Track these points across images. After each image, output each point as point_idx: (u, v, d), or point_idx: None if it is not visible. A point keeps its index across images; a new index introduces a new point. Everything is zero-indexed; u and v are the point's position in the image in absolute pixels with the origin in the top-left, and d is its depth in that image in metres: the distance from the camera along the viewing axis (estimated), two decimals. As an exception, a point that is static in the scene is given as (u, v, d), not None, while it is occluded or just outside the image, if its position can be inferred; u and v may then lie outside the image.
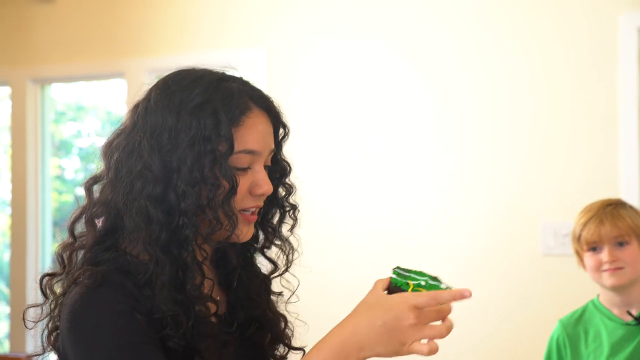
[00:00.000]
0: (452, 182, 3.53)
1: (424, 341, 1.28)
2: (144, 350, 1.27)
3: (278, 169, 1.52)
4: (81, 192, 1.46)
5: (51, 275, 1.41)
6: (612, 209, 2.42)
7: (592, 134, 3.34)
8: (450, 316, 1.30)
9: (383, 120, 3.65)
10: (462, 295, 1.31)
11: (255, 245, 1.55)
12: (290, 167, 1.55)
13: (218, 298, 1.46)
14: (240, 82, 1.45)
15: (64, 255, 1.41)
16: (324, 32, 3.75)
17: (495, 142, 3.47)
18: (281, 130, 1.51)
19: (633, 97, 3.27)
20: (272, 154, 1.47)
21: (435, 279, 1.33)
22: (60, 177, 4.80)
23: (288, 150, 1.56)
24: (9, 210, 4.55)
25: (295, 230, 1.55)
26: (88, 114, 4.81)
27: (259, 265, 1.60)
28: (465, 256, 3.48)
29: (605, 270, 2.39)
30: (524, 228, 3.40)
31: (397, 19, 3.63)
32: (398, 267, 1.34)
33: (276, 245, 1.55)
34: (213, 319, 1.40)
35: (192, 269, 1.35)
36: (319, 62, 3.76)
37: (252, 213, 1.43)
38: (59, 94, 4.66)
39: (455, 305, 3.67)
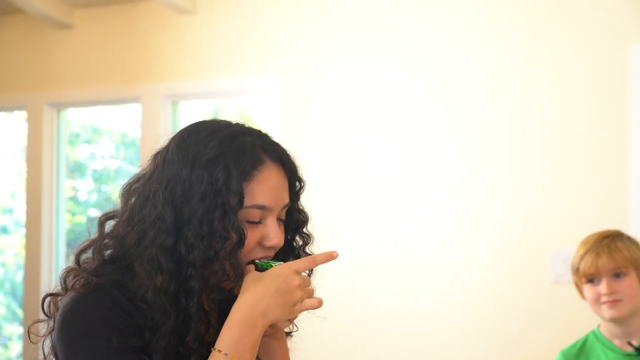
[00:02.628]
0: (463, 208, 3.54)
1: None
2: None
3: (293, 221, 1.53)
4: (93, 213, 1.50)
5: (54, 295, 1.46)
6: (609, 241, 2.43)
7: (604, 162, 3.35)
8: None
9: (397, 146, 3.66)
10: (332, 256, 1.44)
11: None
12: (307, 218, 1.56)
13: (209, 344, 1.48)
14: (256, 135, 1.47)
15: (67, 279, 1.45)
16: (338, 58, 3.78)
17: (507, 169, 3.48)
18: (297, 184, 1.52)
19: (644, 127, 3.28)
20: (286, 207, 1.48)
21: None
22: (73, 199, 4.84)
23: (304, 176, 1.56)
24: (23, 230, 4.58)
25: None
26: (102, 136, 4.85)
27: None
28: (475, 282, 3.48)
29: (604, 303, 2.40)
30: (535, 255, 3.40)
31: (411, 45, 3.65)
32: (255, 260, 1.44)
33: None
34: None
35: (196, 320, 1.39)
36: (333, 87, 3.78)
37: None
38: (74, 115, 4.70)
39: (466, 331, 3.66)
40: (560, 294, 3.36)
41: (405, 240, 3.62)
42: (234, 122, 1.49)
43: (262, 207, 1.42)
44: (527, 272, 3.41)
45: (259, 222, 1.43)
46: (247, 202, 1.41)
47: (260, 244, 1.44)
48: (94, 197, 4.89)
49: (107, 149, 4.86)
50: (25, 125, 4.48)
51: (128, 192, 1.47)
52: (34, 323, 1.48)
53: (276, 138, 1.54)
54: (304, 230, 1.56)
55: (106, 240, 1.46)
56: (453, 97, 3.58)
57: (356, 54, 3.75)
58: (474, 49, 3.56)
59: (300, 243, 1.55)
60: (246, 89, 4.04)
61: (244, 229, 1.40)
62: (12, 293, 5.05)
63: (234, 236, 1.39)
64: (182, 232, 1.39)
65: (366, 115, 3.72)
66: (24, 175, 4.50)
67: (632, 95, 3.30)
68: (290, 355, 1.57)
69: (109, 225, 1.49)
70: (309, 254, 1.55)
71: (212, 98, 4.28)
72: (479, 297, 3.47)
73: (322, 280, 3.52)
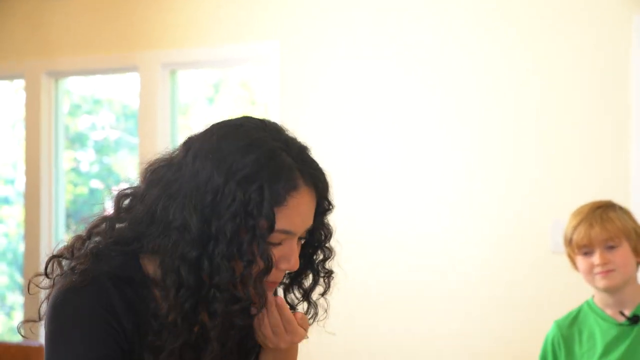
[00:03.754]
0: (462, 180, 3.53)
1: None
2: None
3: (315, 239, 1.48)
4: (96, 184, 1.47)
5: (58, 257, 1.43)
6: (601, 211, 2.43)
7: (604, 132, 3.33)
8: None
9: (396, 117, 3.65)
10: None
11: None
12: (331, 233, 1.50)
13: None
14: (295, 153, 1.41)
15: (75, 244, 1.42)
16: (338, 25, 3.75)
17: (506, 140, 3.47)
18: (326, 204, 1.46)
19: (646, 95, 3.26)
20: (308, 229, 1.43)
21: None
22: (75, 170, 4.84)
23: (333, 199, 1.50)
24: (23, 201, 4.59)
25: (327, 296, 1.51)
26: (103, 107, 4.84)
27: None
28: (475, 252, 3.48)
29: (597, 273, 2.40)
30: (534, 225, 3.40)
31: (416, 17, 3.62)
32: None
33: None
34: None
35: (213, 347, 1.36)
36: (333, 55, 3.76)
37: (274, 283, 1.42)
38: (74, 86, 4.69)
39: (464, 301, 3.66)
40: (559, 263, 3.35)
41: (406, 212, 3.61)
42: (275, 132, 1.42)
43: (287, 232, 1.38)
44: (527, 242, 3.41)
45: (279, 244, 1.38)
46: (276, 225, 1.36)
47: (276, 266, 1.38)
48: (95, 168, 4.89)
49: (108, 119, 4.85)
50: (24, 95, 4.47)
51: (152, 174, 1.41)
52: (35, 276, 1.45)
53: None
54: (327, 245, 1.49)
55: (120, 224, 1.41)
56: (451, 71, 3.55)
57: (357, 22, 3.72)
58: (472, 23, 3.53)
59: (321, 257, 1.49)
60: (246, 57, 4.02)
61: (272, 256, 1.36)
62: (15, 263, 5.08)
63: (260, 261, 1.35)
64: (208, 248, 1.34)
65: (366, 85, 3.70)
66: (23, 145, 4.50)
67: (633, 64, 3.27)
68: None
69: (125, 202, 1.43)
70: (330, 271, 1.49)
71: (211, 66, 4.26)
72: (478, 267, 3.47)
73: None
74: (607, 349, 2.41)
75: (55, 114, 4.44)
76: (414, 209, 3.59)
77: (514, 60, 3.46)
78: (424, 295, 3.56)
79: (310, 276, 1.50)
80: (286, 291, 1.50)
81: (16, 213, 4.99)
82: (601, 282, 2.41)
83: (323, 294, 1.50)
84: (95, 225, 1.43)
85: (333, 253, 1.50)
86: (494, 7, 3.50)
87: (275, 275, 1.39)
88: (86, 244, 1.42)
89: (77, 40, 4.31)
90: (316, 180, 1.42)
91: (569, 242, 2.47)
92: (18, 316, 4.98)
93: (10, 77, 4.66)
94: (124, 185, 1.48)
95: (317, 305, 1.50)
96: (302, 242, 1.44)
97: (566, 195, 3.36)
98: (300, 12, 3.82)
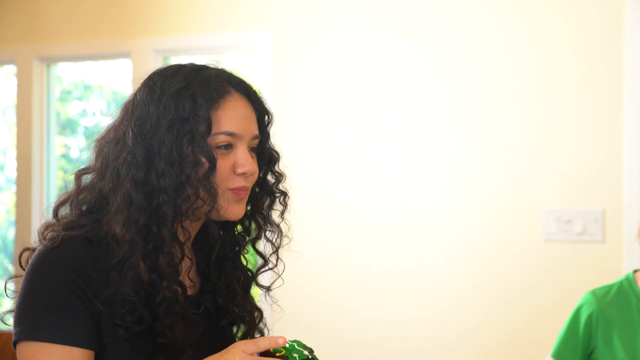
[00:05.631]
0: (455, 167, 3.53)
1: None
2: (65, 319, 1.37)
3: (265, 157, 1.56)
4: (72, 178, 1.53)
5: (32, 249, 1.48)
6: None
7: (597, 121, 3.34)
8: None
9: (390, 107, 3.65)
10: (276, 342, 1.35)
11: (247, 236, 1.60)
12: (278, 156, 1.59)
13: (193, 280, 1.51)
14: (220, 70, 1.51)
15: (46, 233, 1.47)
16: (331, 13, 3.74)
17: (499, 128, 3.47)
18: (266, 118, 1.55)
19: (639, 85, 3.26)
20: (256, 139, 1.51)
21: (305, 347, 1.39)
22: (65, 156, 4.82)
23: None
24: (14, 188, 4.57)
25: (286, 216, 1.60)
26: (94, 93, 4.82)
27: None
28: (467, 240, 3.49)
29: None
30: (527, 213, 3.41)
31: (409, 6, 3.62)
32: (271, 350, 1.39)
33: (266, 238, 1.60)
34: (181, 298, 1.46)
35: (169, 246, 1.42)
36: (326, 43, 3.75)
37: (241, 189, 1.48)
38: (66, 72, 4.66)
39: (456, 287, 3.67)
40: (551, 252, 3.37)
41: (396, 200, 3.61)
42: (198, 63, 1.54)
43: (231, 134, 1.46)
44: (519, 230, 3.42)
45: (229, 150, 1.46)
46: (216, 129, 1.44)
47: (234, 172, 1.46)
48: (85, 155, 4.85)
49: (99, 106, 4.83)
50: (15, 81, 4.44)
51: (100, 142, 1.50)
52: (9, 278, 1.53)
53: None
54: (276, 168, 1.59)
55: (83, 193, 1.48)
56: (445, 58, 3.56)
57: (353, 11, 3.71)
58: (469, 12, 3.52)
59: (273, 181, 1.58)
60: (239, 44, 4.01)
61: (214, 153, 1.43)
62: (4, 249, 5.06)
63: (204, 161, 1.42)
64: (153, 163, 1.42)
65: (360, 76, 3.69)
66: (14, 131, 4.48)
67: (626, 52, 3.27)
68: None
69: (86, 179, 1.51)
70: (284, 192, 1.60)
71: (203, 53, 4.24)
72: (471, 256, 3.48)
73: (313, 243, 3.53)
74: None
75: (47, 100, 4.42)
76: (405, 198, 3.60)
77: (505, 49, 3.46)
78: (414, 285, 3.56)
79: (268, 200, 1.59)
80: (250, 218, 1.58)
81: (5, 199, 4.97)
82: None
83: (282, 214, 1.60)
84: (60, 204, 1.50)
85: (284, 176, 1.60)
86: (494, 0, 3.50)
87: (236, 180, 1.47)
88: (55, 227, 1.46)
89: (69, 26, 4.28)
90: (247, 88, 1.51)
91: None
92: (7, 303, 4.97)
93: (1, 62, 4.63)
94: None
95: (279, 225, 1.60)
96: (254, 155, 1.51)
97: (558, 185, 3.37)
98: (293, 1, 3.81)
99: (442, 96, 3.56)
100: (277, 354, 1.35)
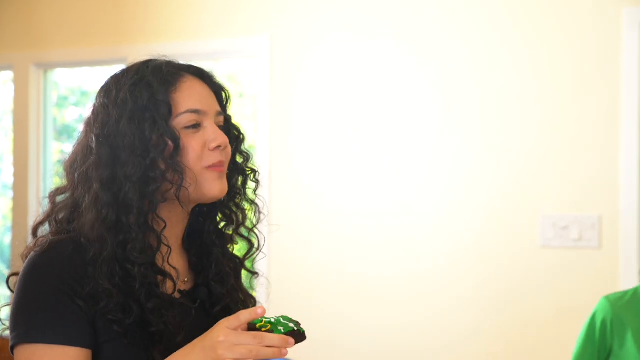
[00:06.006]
0: (451, 173, 3.53)
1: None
2: (59, 320, 1.38)
3: (232, 138, 1.57)
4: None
5: (17, 274, 1.49)
6: None
7: (594, 127, 3.35)
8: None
9: (387, 112, 3.65)
10: (256, 313, 1.36)
11: (232, 226, 1.62)
12: (244, 135, 1.61)
13: (176, 268, 1.51)
14: (168, 59, 1.53)
15: (25, 253, 1.49)
16: (328, 19, 3.75)
17: (496, 134, 3.48)
18: (223, 95, 1.56)
19: (635, 91, 3.27)
20: (220, 116, 1.53)
21: (291, 320, 1.41)
22: (62, 162, 4.81)
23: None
24: (10, 193, 4.57)
25: (259, 191, 1.62)
26: (90, 98, 4.82)
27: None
28: (464, 246, 3.49)
29: None
30: (524, 219, 3.41)
31: (405, 12, 3.63)
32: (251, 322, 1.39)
33: (243, 223, 1.61)
34: (176, 295, 1.48)
35: (137, 232, 1.43)
36: (323, 49, 3.76)
37: (218, 165, 1.49)
38: (62, 78, 4.66)
39: (454, 296, 3.67)
40: (548, 258, 3.37)
41: (393, 205, 3.62)
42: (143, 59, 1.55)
43: (195, 111, 1.47)
44: (516, 237, 3.42)
45: (197, 129, 1.47)
46: (177, 110, 1.46)
47: (208, 148, 1.47)
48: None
49: (95, 111, 4.82)
50: (12, 87, 4.44)
51: (69, 161, 1.51)
52: (2, 307, 1.53)
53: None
54: (243, 147, 1.60)
55: (60, 209, 1.50)
56: (442, 62, 3.56)
57: (349, 17, 3.71)
58: (465, 15, 3.53)
59: (242, 160, 1.59)
60: (235, 50, 4.01)
61: (177, 133, 1.44)
62: (1, 255, 5.05)
63: (169, 142, 1.44)
64: (119, 158, 1.43)
65: (357, 81, 3.70)
66: (11, 137, 4.48)
67: (622, 58, 3.28)
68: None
69: (60, 199, 1.52)
70: (254, 169, 1.61)
71: (200, 59, 4.24)
72: (467, 262, 3.48)
73: (313, 247, 3.52)
74: None
75: (44, 106, 4.42)
76: (402, 204, 3.60)
77: (503, 55, 3.47)
78: (412, 291, 3.56)
79: (241, 179, 1.60)
80: (228, 203, 1.59)
81: (2, 205, 4.96)
82: None
83: (255, 190, 1.62)
84: (39, 224, 1.53)
85: (251, 156, 1.61)
86: (490, 4, 3.50)
87: (212, 156, 1.47)
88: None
89: (66, 32, 4.29)
90: (199, 70, 1.53)
91: None
92: (4, 308, 4.95)
93: (-2, 68, 4.64)
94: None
95: (254, 202, 1.62)
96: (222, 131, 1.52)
97: (555, 191, 3.38)
98: (290, 7, 3.81)
99: (439, 101, 3.57)
100: (263, 329, 1.35)
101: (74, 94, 4.83)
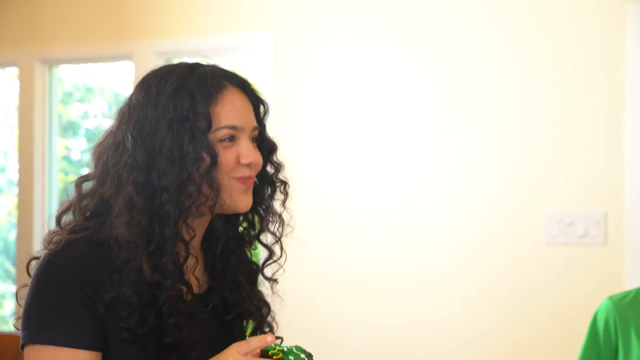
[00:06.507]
0: (456, 171, 3.53)
1: None
2: (70, 322, 1.37)
3: (265, 148, 1.57)
4: (85, 172, 1.53)
5: (37, 258, 1.48)
6: None
7: (598, 124, 3.34)
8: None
9: (392, 110, 3.65)
10: (265, 340, 1.37)
11: (252, 232, 1.62)
12: (276, 146, 1.61)
13: (199, 279, 1.51)
14: (213, 66, 1.52)
15: (50, 237, 1.48)
16: (335, 16, 3.75)
17: (499, 133, 3.47)
18: (262, 108, 1.57)
19: (640, 88, 3.27)
20: (256, 131, 1.53)
21: (303, 351, 1.40)
22: (66, 158, 4.82)
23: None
24: (15, 190, 4.57)
25: (288, 205, 1.63)
26: (95, 95, 4.82)
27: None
28: (468, 246, 3.49)
29: None
30: (528, 216, 3.41)
31: (409, 13, 3.62)
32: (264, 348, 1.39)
33: (269, 230, 1.61)
34: (189, 297, 1.47)
35: (172, 245, 1.42)
36: (328, 46, 3.75)
37: (247, 178, 1.49)
38: (67, 74, 4.66)
39: (456, 293, 3.66)
40: (553, 255, 3.37)
41: (397, 205, 3.61)
42: (189, 61, 1.55)
43: (232, 127, 1.47)
44: (521, 233, 3.42)
45: (233, 143, 1.47)
46: (217, 124, 1.45)
47: (239, 162, 1.47)
48: (87, 157, 4.86)
49: (100, 108, 4.83)
50: (17, 83, 4.44)
51: (98, 149, 1.50)
52: (21, 287, 1.52)
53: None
54: (275, 158, 1.60)
55: (85, 200, 1.49)
56: (446, 61, 3.56)
57: (351, 14, 3.71)
58: (469, 14, 3.53)
59: (272, 171, 1.60)
60: (240, 46, 4.01)
61: (215, 148, 1.44)
62: (6, 252, 5.05)
63: (206, 157, 1.43)
64: (155, 164, 1.42)
65: (361, 79, 3.70)
66: (16, 133, 4.48)
67: (628, 55, 3.27)
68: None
69: (86, 186, 1.51)
70: (284, 181, 1.62)
71: (205, 56, 4.21)
72: (472, 261, 3.48)
73: (318, 246, 3.52)
74: None
75: (49, 102, 4.43)
76: (406, 202, 3.60)
77: (507, 52, 3.47)
78: (416, 291, 3.56)
79: (269, 190, 1.61)
80: (253, 211, 1.59)
81: (7, 201, 4.97)
82: None
83: (284, 203, 1.63)
84: (63, 212, 1.52)
85: (282, 166, 1.62)
86: (494, 1, 3.50)
87: (241, 170, 1.48)
88: (60, 234, 1.47)
89: (70, 29, 4.29)
90: (241, 81, 1.53)
91: None
92: (9, 305, 4.96)
93: (3, 64, 4.63)
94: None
95: (281, 215, 1.63)
96: (255, 146, 1.52)
97: (560, 187, 3.37)
98: (294, 6, 3.81)
99: (443, 101, 3.56)
100: (275, 357, 1.35)
101: (78, 90, 4.83)
